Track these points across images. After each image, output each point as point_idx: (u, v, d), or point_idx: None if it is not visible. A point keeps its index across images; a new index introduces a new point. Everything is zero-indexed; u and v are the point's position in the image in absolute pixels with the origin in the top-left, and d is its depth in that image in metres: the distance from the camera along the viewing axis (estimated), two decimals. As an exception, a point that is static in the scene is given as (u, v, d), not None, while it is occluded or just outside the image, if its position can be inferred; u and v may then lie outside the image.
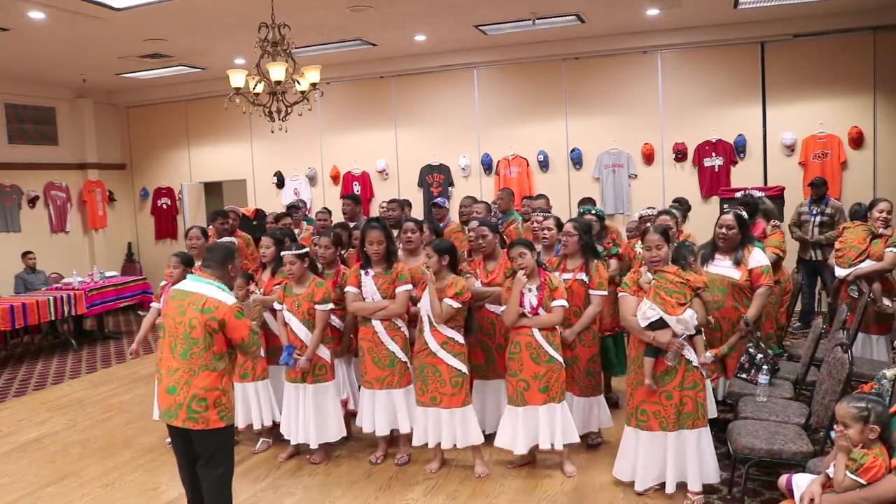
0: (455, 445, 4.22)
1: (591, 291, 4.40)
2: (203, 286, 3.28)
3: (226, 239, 5.67)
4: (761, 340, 4.26)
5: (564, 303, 4.08)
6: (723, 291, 4.28)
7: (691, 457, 3.71)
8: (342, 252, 5.15)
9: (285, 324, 4.47)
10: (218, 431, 3.27)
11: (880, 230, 5.29)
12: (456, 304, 4.10)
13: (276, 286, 4.77)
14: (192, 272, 3.52)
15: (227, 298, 3.27)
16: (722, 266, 4.36)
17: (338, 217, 7.50)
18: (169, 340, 3.25)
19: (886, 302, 5.25)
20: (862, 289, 5.29)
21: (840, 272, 5.44)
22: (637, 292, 3.80)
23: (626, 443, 3.93)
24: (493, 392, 4.66)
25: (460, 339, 4.21)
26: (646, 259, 3.84)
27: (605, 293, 4.45)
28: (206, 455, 3.32)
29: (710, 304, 3.80)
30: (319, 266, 4.80)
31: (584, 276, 4.41)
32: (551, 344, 4.06)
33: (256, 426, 4.78)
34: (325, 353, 4.46)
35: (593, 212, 5.26)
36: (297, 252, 4.40)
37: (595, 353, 4.47)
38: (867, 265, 5.28)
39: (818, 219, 7.13)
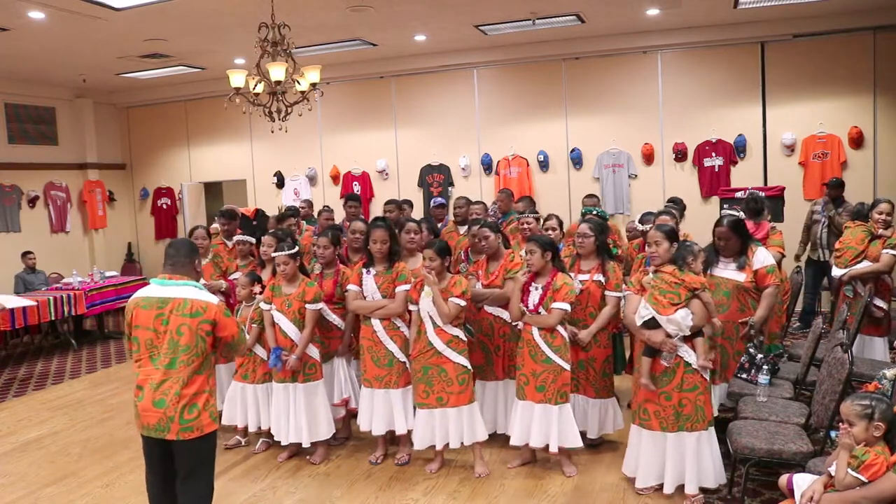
0: (462, 444, 4.23)
1: (607, 292, 4.40)
2: (180, 289, 3.08)
3: (238, 238, 5.64)
4: (763, 340, 4.26)
5: (565, 306, 4.05)
6: (727, 294, 4.25)
7: (689, 459, 3.70)
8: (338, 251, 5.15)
9: (273, 324, 4.47)
10: (211, 436, 3.16)
11: (880, 231, 5.27)
12: (462, 303, 4.11)
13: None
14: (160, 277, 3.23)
15: (211, 298, 3.16)
16: (727, 269, 4.34)
17: (338, 216, 7.51)
18: (148, 352, 3.07)
19: (880, 303, 5.22)
20: (857, 289, 5.28)
21: (836, 272, 5.44)
22: (641, 291, 3.82)
23: (631, 440, 3.95)
24: (492, 393, 4.66)
25: (463, 336, 4.23)
26: (647, 254, 3.87)
27: (622, 294, 4.41)
28: (189, 468, 3.14)
29: (711, 305, 3.75)
30: (319, 266, 4.81)
31: (600, 277, 4.41)
32: (549, 345, 4.06)
33: (252, 428, 4.78)
34: (314, 351, 4.47)
35: (595, 212, 5.27)
36: (290, 252, 4.42)
37: (609, 355, 4.48)
38: (862, 266, 5.26)
39: (824, 219, 7.08)
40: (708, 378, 3.74)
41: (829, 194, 7.16)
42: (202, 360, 3.10)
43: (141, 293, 3.18)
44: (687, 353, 3.67)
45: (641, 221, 5.19)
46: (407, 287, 4.36)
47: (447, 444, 4.24)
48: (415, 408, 4.37)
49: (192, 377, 3.06)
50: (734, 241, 4.30)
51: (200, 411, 3.07)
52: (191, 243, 3.35)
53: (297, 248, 4.50)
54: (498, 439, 4.54)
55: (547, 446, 4.12)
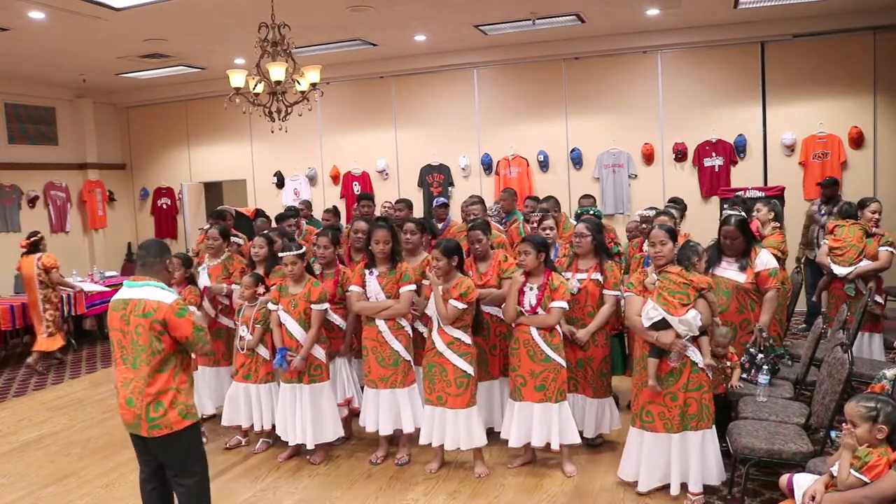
0: (459, 448, 4.22)
1: (605, 291, 4.40)
2: (140, 290, 3.15)
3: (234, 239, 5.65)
4: (773, 342, 4.27)
5: (564, 304, 4.07)
6: (727, 295, 4.26)
7: (694, 458, 3.71)
8: (339, 251, 5.15)
9: (280, 324, 4.47)
10: (184, 433, 3.16)
11: (873, 229, 5.46)
12: (461, 305, 4.07)
13: (272, 286, 4.77)
14: (132, 279, 3.30)
15: (166, 297, 3.15)
16: (729, 270, 4.34)
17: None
18: (119, 353, 3.15)
19: (878, 299, 5.35)
20: (859, 287, 5.35)
21: (840, 271, 5.49)
22: (642, 292, 3.81)
23: (630, 443, 3.93)
24: (486, 393, 4.65)
25: (467, 339, 4.19)
26: (650, 255, 3.86)
27: (620, 293, 4.41)
28: (176, 464, 3.20)
29: (715, 304, 3.78)
30: (319, 266, 4.81)
31: (598, 276, 4.40)
32: (549, 344, 4.06)
33: (257, 428, 4.78)
34: (319, 352, 4.46)
35: (591, 212, 5.27)
36: (298, 252, 4.41)
37: (608, 354, 4.47)
38: (866, 264, 5.40)
39: (825, 219, 7.10)
40: (711, 376, 3.77)
41: (824, 193, 7.18)
42: (161, 358, 3.12)
43: (115, 296, 3.26)
44: (693, 353, 3.68)
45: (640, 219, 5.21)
46: (411, 287, 4.36)
47: (446, 446, 4.23)
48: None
49: (152, 376, 3.10)
50: (740, 240, 4.31)
51: (167, 409, 3.11)
52: (160, 243, 3.37)
53: (303, 249, 4.50)
54: (496, 439, 4.53)
55: (548, 445, 4.12)
